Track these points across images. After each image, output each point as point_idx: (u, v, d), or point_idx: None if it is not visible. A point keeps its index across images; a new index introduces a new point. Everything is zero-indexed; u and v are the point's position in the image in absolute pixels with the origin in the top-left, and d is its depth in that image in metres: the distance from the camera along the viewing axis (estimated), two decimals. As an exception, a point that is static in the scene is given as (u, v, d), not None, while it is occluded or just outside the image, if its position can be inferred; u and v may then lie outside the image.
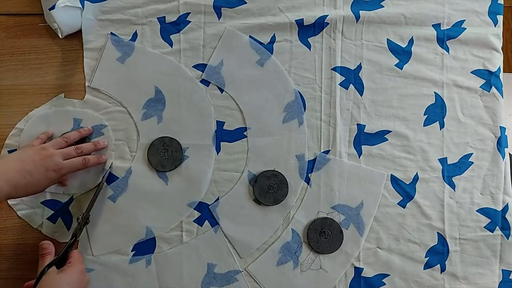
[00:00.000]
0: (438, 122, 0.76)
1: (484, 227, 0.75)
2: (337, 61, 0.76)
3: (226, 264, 0.73)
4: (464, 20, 0.77)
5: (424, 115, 0.76)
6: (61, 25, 0.72)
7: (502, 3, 0.78)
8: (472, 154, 0.76)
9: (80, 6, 0.72)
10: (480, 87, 0.77)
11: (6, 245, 0.73)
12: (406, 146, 0.76)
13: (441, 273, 0.75)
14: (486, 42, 0.77)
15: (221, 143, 0.75)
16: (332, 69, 0.76)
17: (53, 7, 0.69)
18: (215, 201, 0.74)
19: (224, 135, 0.75)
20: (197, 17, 0.75)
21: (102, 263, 0.72)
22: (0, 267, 0.73)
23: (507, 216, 0.75)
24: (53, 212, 0.73)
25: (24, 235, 0.73)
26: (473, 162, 0.76)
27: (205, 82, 0.75)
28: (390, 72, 0.76)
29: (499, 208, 0.76)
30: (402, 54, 0.76)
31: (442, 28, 0.77)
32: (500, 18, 0.77)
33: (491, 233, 0.75)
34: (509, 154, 0.78)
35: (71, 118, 0.73)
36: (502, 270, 0.75)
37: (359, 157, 0.75)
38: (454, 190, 0.76)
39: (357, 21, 0.76)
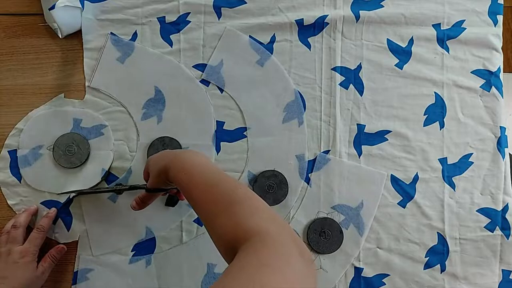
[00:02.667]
0: (438, 122, 0.76)
1: (484, 227, 0.75)
2: (337, 61, 0.76)
3: (226, 264, 0.72)
4: (464, 20, 0.77)
5: (424, 115, 0.76)
6: (61, 25, 0.71)
7: (502, 3, 0.78)
8: (472, 154, 0.76)
9: (80, 6, 0.72)
10: (480, 87, 0.77)
11: (6, 245, 0.73)
12: (406, 146, 0.76)
13: (441, 273, 0.75)
14: (486, 42, 0.77)
15: (221, 143, 0.75)
16: (332, 69, 0.76)
17: (53, 7, 0.69)
18: (215, 201, 0.74)
19: (224, 135, 0.75)
20: (197, 17, 0.75)
21: (102, 263, 0.72)
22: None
23: (507, 216, 0.75)
24: (53, 212, 0.73)
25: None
26: (473, 162, 0.76)
27: (205, 82, 0.75)
28: (390, 72, 0.76)
29: (499, 208, 0.76)
30: (402, 54, 0.76)
31: (442, 28, 0.77)
32: (500, 18, 0.77)
33: (491, 233, 0.75)
34: (509, 154, 0.78)
35: (71, 118, 0.73)
36: (502, 270, 0.75)
37: (359, 157, 0.75)
38: (454, 190, 0.76)
39: (357, 21, 0.76)
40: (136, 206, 0.63)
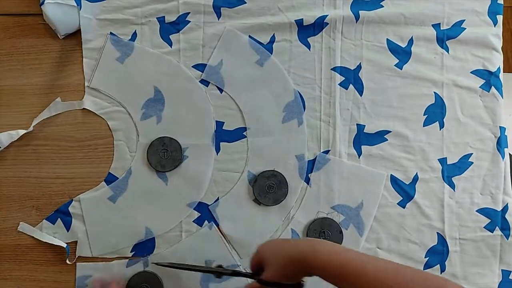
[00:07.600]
0: (437, 122, 0.76)
1: (484, 227, 0.75)
2: (336, 61, 0.76)
3: (224, 260, 0.72)
4: (464, 20, 0.77)
5: (424, 115, 0.76)
6: (55, 23, 0.71)
7: (502, 3, 0.77)
8: (472, 154, 0.76)
9: (74, 4, 0.72)
10: (479, 87, 0.77)
11: (6, 246, 0.73)
12: (406, 146, 0.76)
13: (441, 273, 0.75)
14: (486, 42, 0.77)
15: (221, 143, 0.75)
16: (331, 69, 0.76)
17: (42, 3, 0.69)
18: (215, 201, 0.74)
19: (224, 135, 0.75)
20: (197, 17, 0.75)
21: (100, 268, 0.72)
22: (0, 267, 0.73)
23: (506, 216, 0.75)
24: (52, 212, 0.72)
25: (23, 236, 0.72)
26: (472, 162, 0.76)
27: (205, 82, 0.75)
28: (389, 72, 0.76)
29: (499, 208, 0.76)
30: (402, 54, 0.76)
31: (441, 28, 0.77)
32: (500, 18, 0.77)
33: (490, 233, 0.75)
34: (509, 154, 0.78)
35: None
36: (502, 270, 0.75)
37: (359, 157, 0.75)
38: (454, 190, 0.75)
39: (356, 21, 0.76)
40: None
